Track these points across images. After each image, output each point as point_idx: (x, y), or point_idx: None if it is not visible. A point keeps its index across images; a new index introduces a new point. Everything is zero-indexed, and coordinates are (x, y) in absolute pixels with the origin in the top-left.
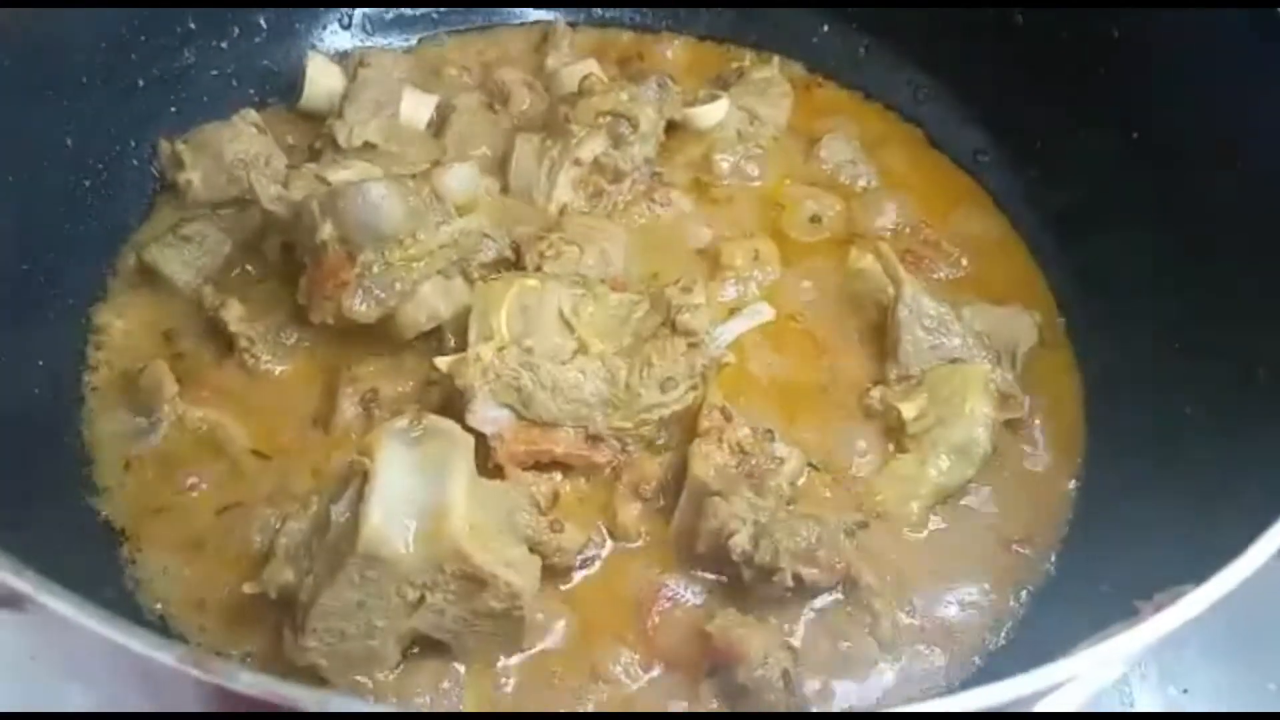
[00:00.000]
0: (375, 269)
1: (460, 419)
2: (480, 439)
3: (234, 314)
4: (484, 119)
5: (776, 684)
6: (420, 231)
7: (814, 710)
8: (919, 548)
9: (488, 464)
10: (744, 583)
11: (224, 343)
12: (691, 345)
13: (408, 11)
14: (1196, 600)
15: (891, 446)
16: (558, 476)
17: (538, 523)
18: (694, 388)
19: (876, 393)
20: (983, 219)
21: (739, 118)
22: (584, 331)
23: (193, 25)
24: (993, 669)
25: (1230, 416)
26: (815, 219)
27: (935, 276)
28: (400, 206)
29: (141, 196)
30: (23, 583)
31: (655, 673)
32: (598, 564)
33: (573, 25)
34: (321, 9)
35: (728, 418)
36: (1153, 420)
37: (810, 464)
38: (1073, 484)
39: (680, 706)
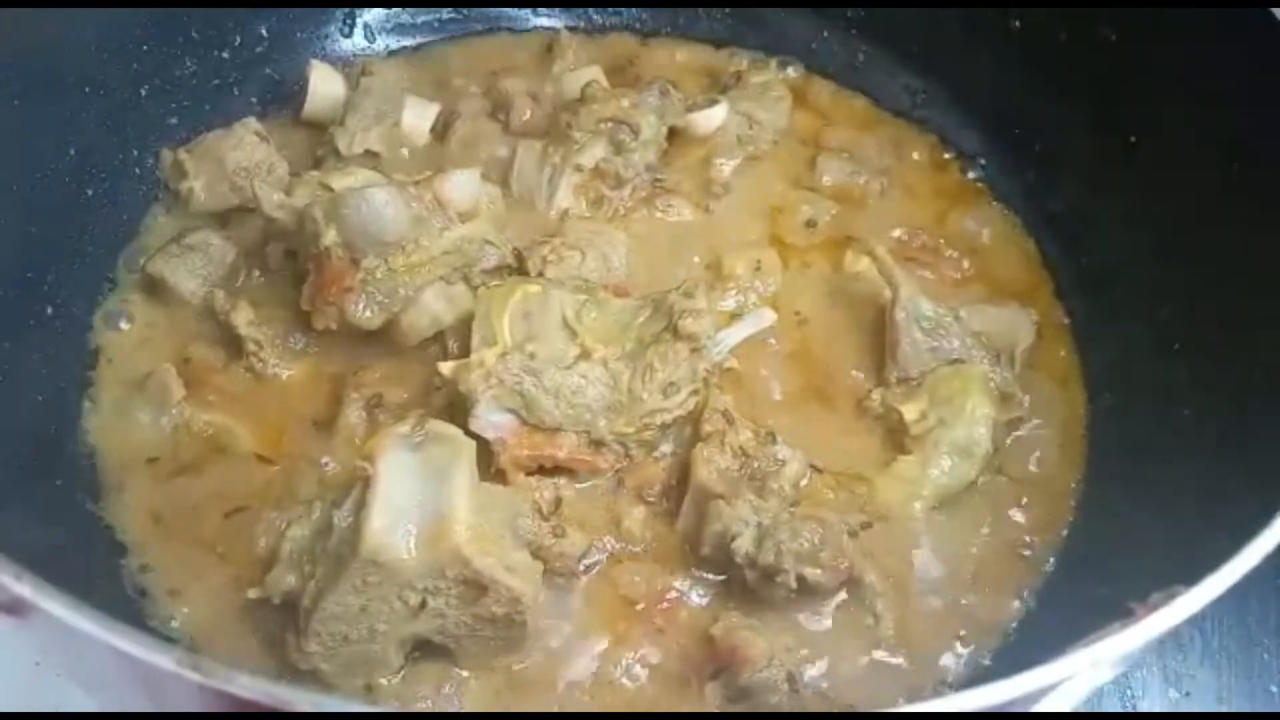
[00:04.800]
0: (378, 275)
1: (463, 424)
2: (483, 444)
3: (244, 318)
4: (486, 126)
5: (780, 685)
6: (423, 238)
7: (816, 711)
8: (921, 548)
9: (490, 469)
10: (748, 584)
11: (231, 347)
12: (693, 350)
13: (409, 19)
14: (1190, 601)
15: (893, 448)
16: (560, 481)
17: (540, 527)
18: (696, 392)
19: (877, 395)
20: (982, 221)
21: (738, 122)
22: (586, 337)
23: (194, 34)
24: (994, 669)
25: (1229, 417)
26: (811, 223)
27: (935, 278)
28: (403, 213)
29: (144, 205)
30: (23, 587)
31: (659, 675)
32: (601, 568)
33: (573, 30)
34: (323, 18)
35: (730, 421)
36: (1153, 420)
37: (812, 466)
38: (1073, 484)
39: (684, 708)
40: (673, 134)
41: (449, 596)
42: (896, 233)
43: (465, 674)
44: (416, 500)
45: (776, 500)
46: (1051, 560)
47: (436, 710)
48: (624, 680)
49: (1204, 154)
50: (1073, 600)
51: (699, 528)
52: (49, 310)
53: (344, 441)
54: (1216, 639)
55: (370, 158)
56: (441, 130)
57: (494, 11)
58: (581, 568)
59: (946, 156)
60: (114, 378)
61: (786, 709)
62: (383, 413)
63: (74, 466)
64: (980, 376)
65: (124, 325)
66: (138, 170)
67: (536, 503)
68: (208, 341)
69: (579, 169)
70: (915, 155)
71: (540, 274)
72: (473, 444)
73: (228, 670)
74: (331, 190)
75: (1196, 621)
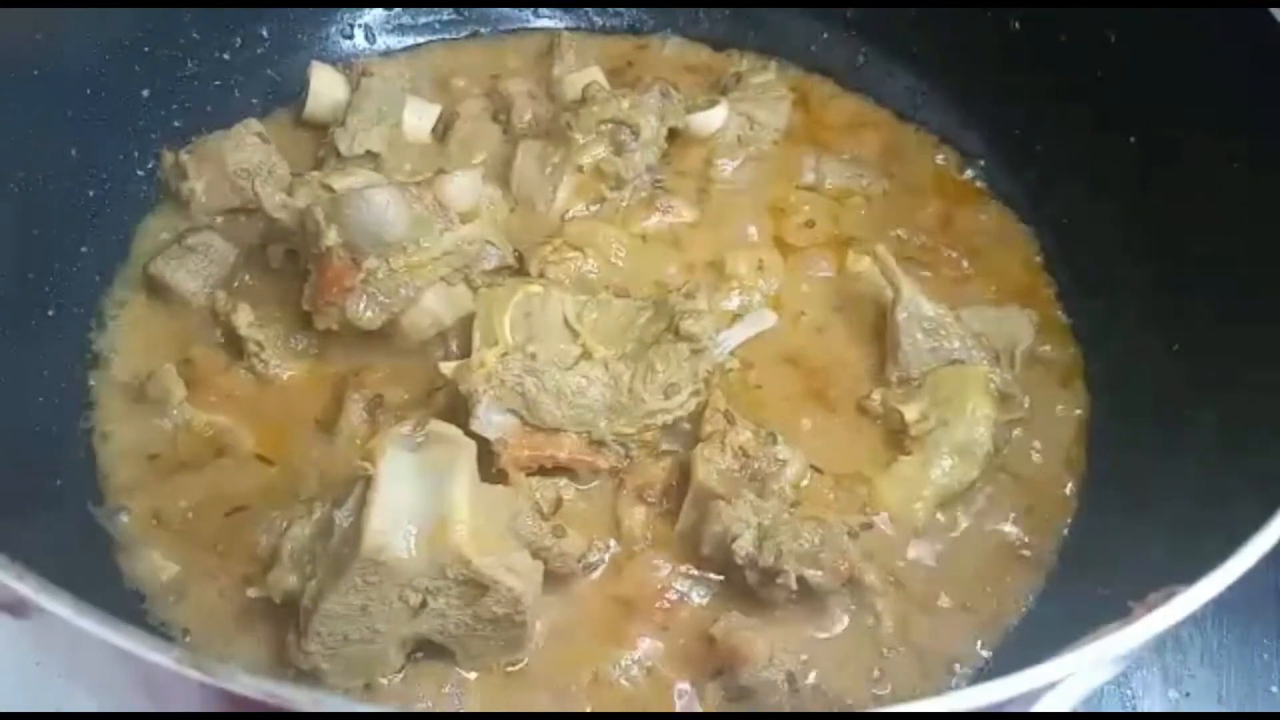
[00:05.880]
0: (379, 275)
1: (464, 424)
2: (484, 444)
3: (245, 319)
4: (487, 127)
5: (781, 685)
6: (424, 238)
7: (817, 711)
8: (922, 548)
9: (491, 469)
10: (748, 585)
11: (232, 348)
12: (694, 351)
13: (409, 20)
14: (1188, 600)
15: (894, 448)
16: (561, 481)
17: (540, 528)
18: (697, 393)
19: (877, 395)
20: (983, 222)
21: (738, 123)
22: (588, 337)
23: (196, 36)
24: (994, 668)
25: (1229, 417)
26: (810, 223)
27: (935, 278)
28: (404, 213)
29: (146, 206)
30: (24, 586)
31: (659, 675)
32: (602, 568)
33: (573, 31)
34: (324, 19)
35: (730, 421)
36: (1153, 420)
37: (813, 466)
38: (1073, 484)
39: (684, 708)
40: (673, 135)
41: (449, 596)
42: (897, 233)
43: (465, 674)
44: (417, 500)
45: (777, 501)
46: (1051, 560)
47: (436, 710)
48: (623, 680)
49: (1204, 154)
50: (1072, 600)
51: (699, 528)
52: (50, 311)
53: (345, 442)
54: (1216, 639)
55: (371, 158)
56: (442, 131)
57: (494, 12)
58: (582, 568)
59: (947, 156)
60: (115, 378)
61: (786, 709)
62: (384, 413)
63: (74, 466)
64: (980, 377)
65: (125, 326)
66: (139, 171)
67: (537, 503)
68: (209, 342)
69: (580, 170)
70: (915, 155)
71: (541, 275)
72: (473, 444)
73: (228, 669)
74: (333, 191)
75: (1196, 621)
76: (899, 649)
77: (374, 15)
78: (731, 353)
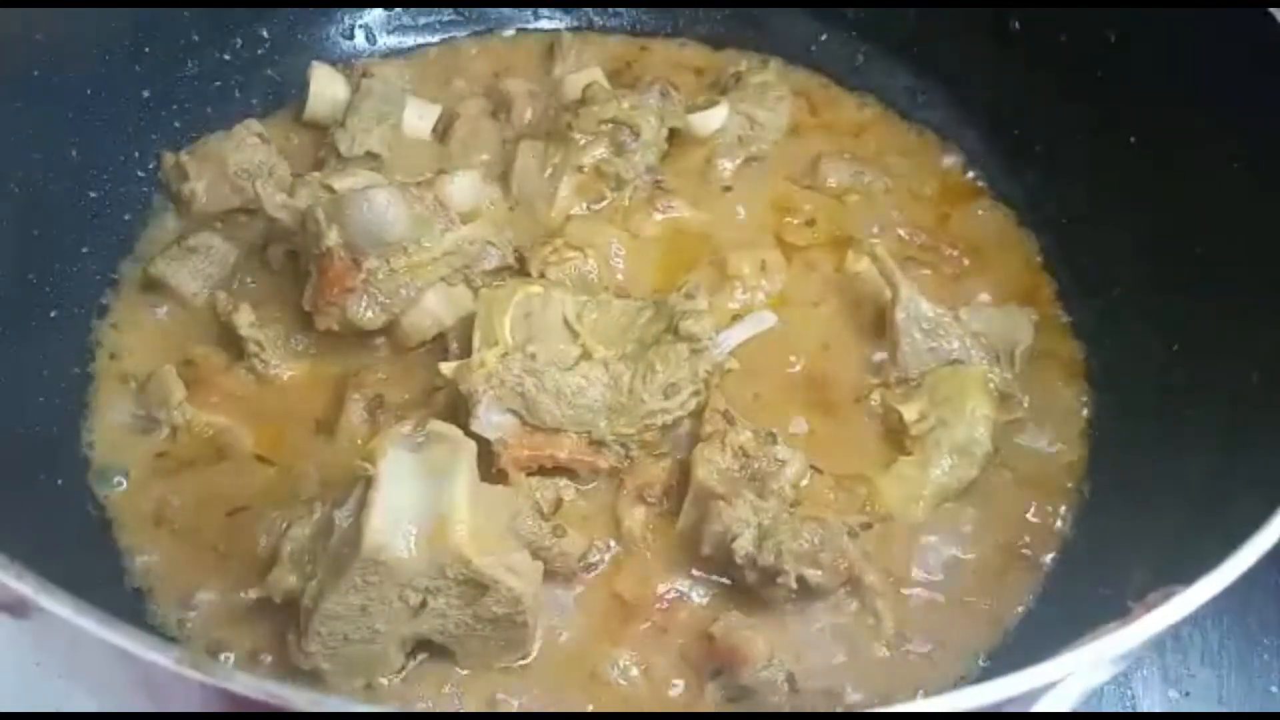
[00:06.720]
0: (380, 276)
1: (464, 424)
2: (484, 444)
3: (245, 319)
4: (487, 127)
5: (780, 685)
6: (424, 238)
7: (817, 711)
8: (921, 548)
9: (491, 469)
10: (748, 585)
11: (232, 348)
12: (694, 351)
13: (410, 21)
14: (1187, 600)
15: (893, 448)
16: (561, 481)
17: (540, 528)
18: (697, 393)
19: (877, 395)
20: (982, 221)
21: (738, 123)
22: (588, 337)
23: (195, 37)
24: (994, 669)
25: (1229, 417)
26: (811, 222)
27: (935, 278)
28: (405, 213)
29: (146, 207)
30: (24, 586)
31: (659, 675)
32: (602, 568)
33: (573, 31)
34: (324, 19)
35: (730, 421)
36: (1153, 421)
37: (813, 466)
38: (1073, 484)
39: (684, 708)
40: (673, 135)
41: (449, 596)
42: (897, 232)
43: (466, 674)
44: (417, 500)
45: (777, 501)
46: (1051, 560)
47: (436, 710)
48: (623, 680)
49: (1204, 154)
50: (1072, 600)
51: (699, 528)
52: (51, 312)
53: (345, 442)
54: (1216, 639)
55: (371, 159)
56: (442, 131)
57: (494, 12)
58: (582, 568)
59: (947, 157)
60: (115, 379)
61: (786, 709)
62: (384, 413)
63: (75, 466)
64: (980, 377)
65: (125, 327)
66: (139, 172)
67: (537, 503)
68: (209, 343)
69: (580, 170)
70: (915, 155)
71: (541, 275)
72: (473, 444)
73: (228, 669)
74: (333, 191)
75: (1196, 621)
76: (899, 648)
77: (374, 16)
78: (731, 353)
